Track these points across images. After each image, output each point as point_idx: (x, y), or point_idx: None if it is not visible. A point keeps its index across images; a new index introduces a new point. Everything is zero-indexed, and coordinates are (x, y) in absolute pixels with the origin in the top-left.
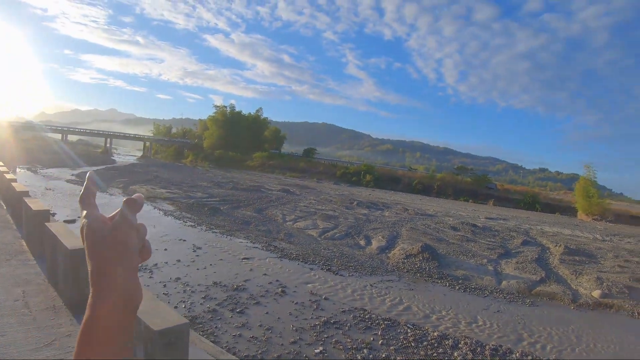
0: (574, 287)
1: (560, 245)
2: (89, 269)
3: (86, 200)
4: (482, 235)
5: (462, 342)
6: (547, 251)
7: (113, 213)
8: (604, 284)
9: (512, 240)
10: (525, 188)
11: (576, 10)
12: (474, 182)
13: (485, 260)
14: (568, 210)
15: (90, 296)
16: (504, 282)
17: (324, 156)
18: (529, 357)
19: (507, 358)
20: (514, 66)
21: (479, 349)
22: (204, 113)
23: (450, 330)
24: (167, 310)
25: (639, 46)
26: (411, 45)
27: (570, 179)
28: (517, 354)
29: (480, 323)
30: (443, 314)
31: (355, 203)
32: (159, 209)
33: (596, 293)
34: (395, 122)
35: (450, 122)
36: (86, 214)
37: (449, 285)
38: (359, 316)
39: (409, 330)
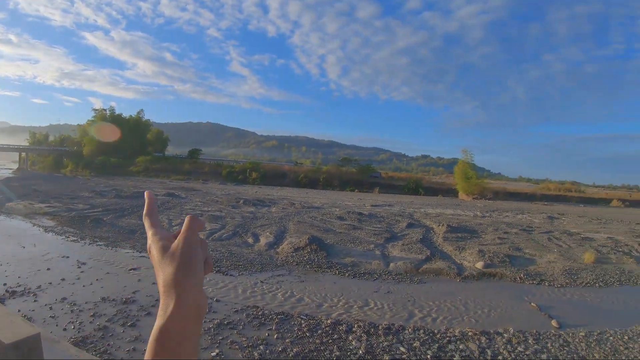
0: (459, 262)
1: (443, 225)
2: (158, 281)
3: (151, 218)
4: (369, 222)
5: (356, 326)
6: (431, 231)
7: (178, 231)
8: (486, 255)
9: (398, 224)
10: (409, 174)
11: (454, 9)
12: (359, 172)
13: (372, 246)
14: (450, 192)
15: (160, 307)
16: (391, 265)
17: (210, 156)
18: (421, 331)
19: (401, 334)
20: (395, 61)
21: (372, 330)
22: (83, 117)
23: (344, 315)
24: (19, 322)
25: (511, 42)
26: (295, 41)
27: (451, 163)
28: (410, 330)
29: (372, 305)
30: (335, 301)
31: (241, 201)
32: (39, 226)
33: (479, 264)
34: (281, 119)
35: (335, 116)
36: (153, 231)
37: (338, 273)
38: (252, 314)
39: (302, 321)
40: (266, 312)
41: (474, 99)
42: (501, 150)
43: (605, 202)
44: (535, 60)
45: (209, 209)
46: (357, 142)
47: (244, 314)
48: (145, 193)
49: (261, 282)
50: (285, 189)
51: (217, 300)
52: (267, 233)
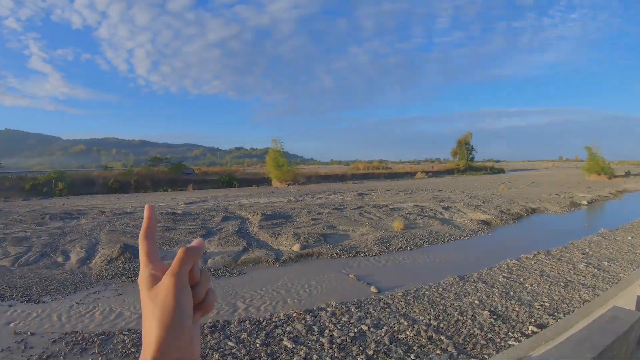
0: (276, 247)
1: (257, 214)
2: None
3: (147, 241)
4: (183, 221)
5: None
6: (247, 222)
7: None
8: (301, 237)
9: (213, 219)
10: (223, 168)
11: (266, 3)
12: (171, 171)
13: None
14: (264, 181)
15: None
16: (210, 261)
17: (11, 169)
18: (247, 322)
19: (227, 329)
20: (206, 54)
21: None
22: None
23: None
24: None
25: (320, 35)
26: (101, 34)
27: (265, 153)
28: (235, 323)
29: None
30: None
31: (47, 217)
32: None
33: (296, 247)
34: (88, 120)
35: (145, 114)
36: (145, 260)
37: None
38: (72, 341)
39: (126, 337)
40: (86, 335)
41: (285, 90)
42: (313, 137)
43: (411, 175)
44: (343, 52)
45: (12, 230)
46: (169, 139)
47: (63, 343)
48: (146, 207)
49: (77, 303)
50: (95, 197)
51: (32, 334)
52: (78, 248)
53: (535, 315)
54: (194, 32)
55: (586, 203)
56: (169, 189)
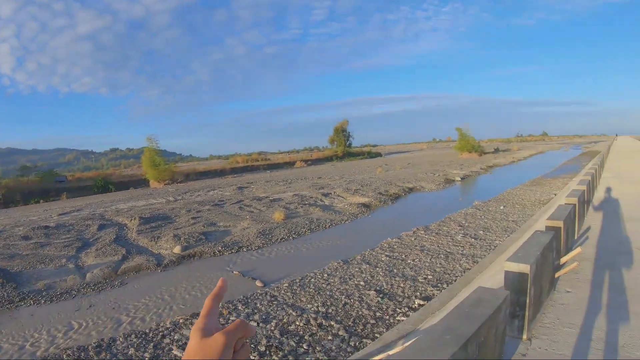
0: (157, 252)
1: (135, 218)
2: None
3: (212, 301)
4: (57, 234)
5: (65, 356)
6: (125, 228)
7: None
8: (182, 238)
9: (89, 229)
10: (98, 172)
11: None
12: (42, 180)
13: (64, 260)
14: (141, 182)
15: None
16: (88, 275)
17: None
18: (132, 336)
19: (113, 347)
20: (75, 48)
21: (83, 354)
22: None
23: (51, 349)
24: None
25: (196, 27)
26: None
27: (141, 153)
28: (121, 339)
29: (76, 327)
30: (37, 336)
31: None
32: None
33: (177, 249)
34: None
35: (12, 118)
36: (204, 314)
37: (34, 303)
38: None
39: None
40: None
41: (160, 84)
42: (190, 133)
43: (290, 165)
44: (220, 43)
45: None
46: (39, 145)
47: None
48: (220, 280)
49: None
50: None
51: None
52: None
53: (420, 288)
54: (62, 23)
55: (460, 179)
56: (41, 200)
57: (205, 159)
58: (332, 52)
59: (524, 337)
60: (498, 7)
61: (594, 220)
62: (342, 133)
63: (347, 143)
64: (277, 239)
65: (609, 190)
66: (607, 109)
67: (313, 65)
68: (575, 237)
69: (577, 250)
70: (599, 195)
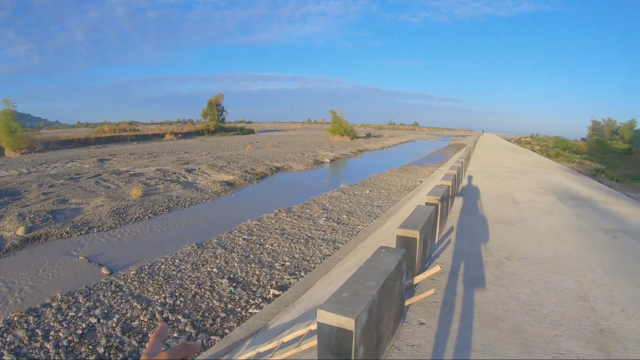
0: None
1: None
2: None
3: (155, 337)
4: None
5: None
6: None
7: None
8: (27, 218)
9: None
10: None
11: None
12: None
13: None
14: None
15: None
16: None
17: None
18: None
19: None
20: None
21: None
22: None
23: None
24: None
25: None
26: None
27: None
28: None
29: None
30: None
31: None
32: None
33: (20, 231)
34: None
35: None
36: (148, 345)
37: None
38: None
39: None
40: None
41: (30, 40)
42: (59, 97)
43: (160, 137)
44: (99, 1)
45: None
46: None
47: None
48: (160, 325)
49: None
50: None
51: None
52: None
53: (277, 276)
54: None
55: (329, 161)
56: None
57: (73, 126)
58: (218, 23)
59: None
60: (387, 2)
61: (457, 220)
62: (216, 107)
63: (221, 118)
64: (132, 219)
65: (475, 187)
66: (475, 107)
67: (196, 35)
68: (436, 241)
69: (436, 268)
70: (464, 191)
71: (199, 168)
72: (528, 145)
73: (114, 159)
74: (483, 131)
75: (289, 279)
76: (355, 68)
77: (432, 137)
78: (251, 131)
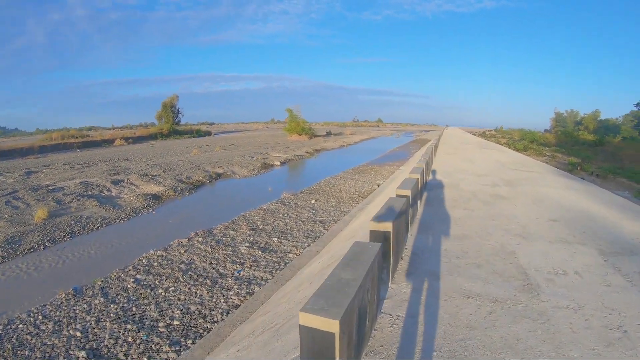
0: None
1: None
2: None
3: None
4: None
5: None
6: None
7: None
8: None
9: None
10: None
11: None
12: None
13: None
14: None
15: None
16: None
17: None
18: None
19: None
20: None
21: None
22: None
23: None
24: None
25: None
26: None
27: None
28: None
29: None
30: None
31: None
32: None
33: None
34: None
35: None
36: None
37: None
38: None
39: None
40: None
41: None
42: (17, 103)
43: (109, 142)
44: (58, 2)
45: None
46: None
47: None
48: None
49: None
50: None
51: None
52: None
53: (154, 347)
54: None
55: (279, 164)
56: None
57: (31, 133)
58: (180, 23)
59: None
60: (350, 0)
61: (419, 240)
62: (170, 109)
63: (176, 120)
64: (25, 249)
65: (437, 234)
66: (439, 102)
67: (159, 36)
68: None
69: None
70: (418, 252)
71: (128, 179)
72: (493, 139)
73: (45, 170)
74: (447, 125)
75: (168, 351)
76: (320, 66)
77: (395, 132)
78: (208, 133)
